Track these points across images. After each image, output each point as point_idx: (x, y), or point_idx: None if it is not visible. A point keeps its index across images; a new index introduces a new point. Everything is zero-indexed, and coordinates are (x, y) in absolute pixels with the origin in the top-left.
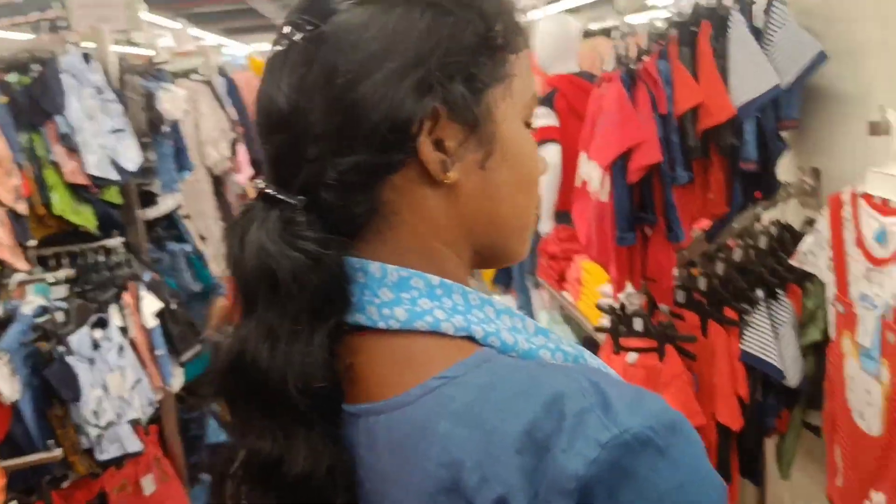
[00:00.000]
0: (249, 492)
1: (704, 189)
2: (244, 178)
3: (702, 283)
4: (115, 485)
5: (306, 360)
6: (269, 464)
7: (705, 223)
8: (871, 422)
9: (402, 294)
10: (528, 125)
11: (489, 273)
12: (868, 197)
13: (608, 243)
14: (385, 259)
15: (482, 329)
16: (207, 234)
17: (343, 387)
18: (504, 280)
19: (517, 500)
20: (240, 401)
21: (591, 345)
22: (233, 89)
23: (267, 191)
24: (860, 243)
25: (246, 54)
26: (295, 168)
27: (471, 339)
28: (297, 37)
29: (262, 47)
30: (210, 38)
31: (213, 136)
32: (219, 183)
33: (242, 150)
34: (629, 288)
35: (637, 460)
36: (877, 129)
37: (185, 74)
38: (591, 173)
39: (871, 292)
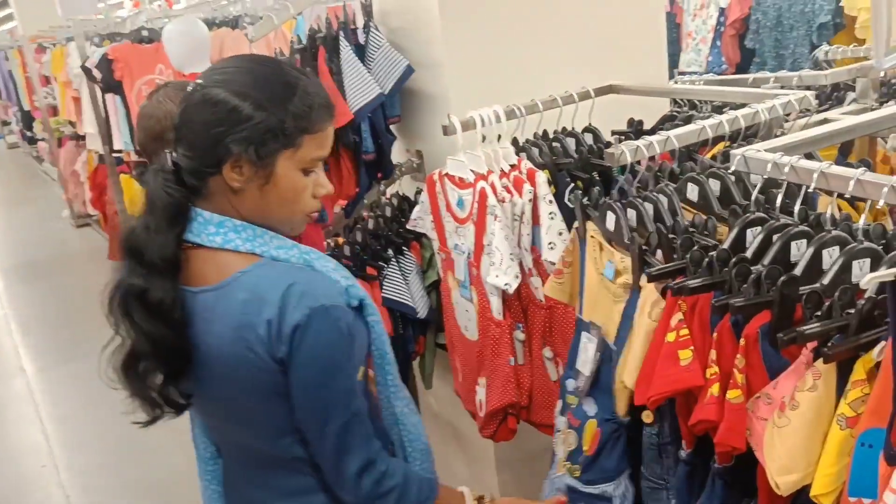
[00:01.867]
0: (122, 315)
1: (339, 177)
2: None
3: (347, 251)
4: None
5: (163, 243)
6: (137, 292)
7: (343, 202)
8: (471, 332)
9: (220, 229)
10: (305, 171)
11: None
12: (449, 176)
13: None
14: (213, 211)
15: (260, 249)
16: None
17: (183, 278)
18: None
19: (272, 331)
20: (125, 259)
21: None
22: None
23: (161, 159)
24: (449, 209)
25: None
26: (171, 148)
27: (255, 254)
28: (193, 86)
29: None
30: None
31: None
32: None
33: None
34: None
35: (318, 319)
36: (446, 130)
37: None
38: None
39: (459, 242)
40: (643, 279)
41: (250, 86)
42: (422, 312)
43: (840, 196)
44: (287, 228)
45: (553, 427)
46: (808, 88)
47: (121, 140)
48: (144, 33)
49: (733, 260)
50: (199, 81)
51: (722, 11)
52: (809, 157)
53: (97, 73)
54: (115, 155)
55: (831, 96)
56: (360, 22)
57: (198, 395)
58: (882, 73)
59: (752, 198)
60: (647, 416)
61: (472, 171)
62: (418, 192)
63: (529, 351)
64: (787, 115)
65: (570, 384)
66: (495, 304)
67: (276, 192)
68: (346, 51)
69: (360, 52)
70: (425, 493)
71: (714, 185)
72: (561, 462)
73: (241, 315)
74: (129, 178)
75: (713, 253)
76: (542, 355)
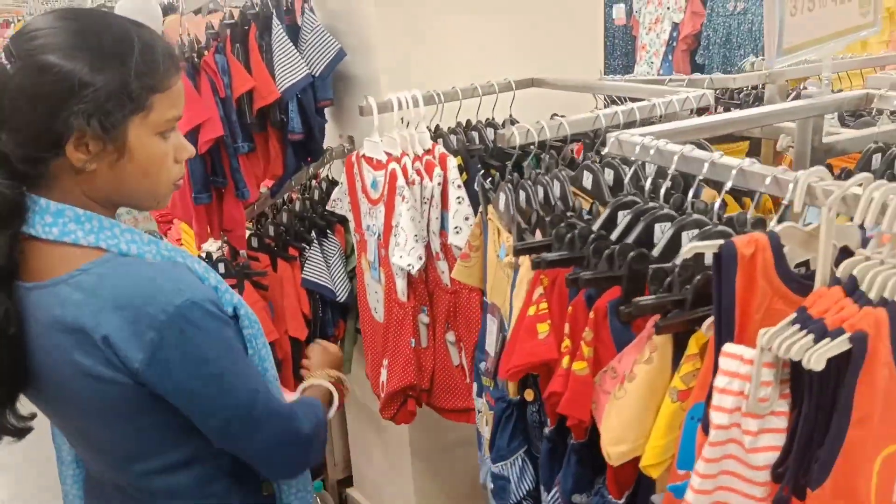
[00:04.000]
0: None
1: (266, 155)
2: None
3: (271, 230)
4: None
5: None
6: None
7: (269, 183)
8: (379, 313)
9: (58, 219)
10: (162, 135)
11: None
12: (367, 157)
13: (188, 203)
14: (54, 199)
15: (106, 242)
16: None
17: (19, 273)
18: None
19: (118, 336)
20: None
21: None
22: None
23: None
24: (364, 190)
25: None
26: None
27: (100, 248)
28: (8, 54)
29: None
30: None
31: None
32: None
33: None
34: (211, 240)
35: (185, 316)
36: (362, 110)
37: None
38: None
39: (372, 223)
40: (521, 258)
41: (79, 46)
42: (341, 296)
43: (734, 193)
44: (152, 203)
45: (455, 411)
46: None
47: None
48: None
49: (592, 236)
50: (11, 51)
51: (675, 27)
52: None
53: None
54: None
55: (742, 102)
56: (297, 3)
57: (42, 410)
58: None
59: (646, 186)
60: (528, 395)
61: (385, 152)
62: None
63: (433, 334)
64: (691, 111)
65: (483, 366)
66: (400, 285)
67: (132, 166)
68: (277, 29)
69: (294, 33)
70: (316, 412)
71: (608, 175)
72: (488, 442)
73: (73, 320)
74: None
75: (576, 231)
76: (446, 339)
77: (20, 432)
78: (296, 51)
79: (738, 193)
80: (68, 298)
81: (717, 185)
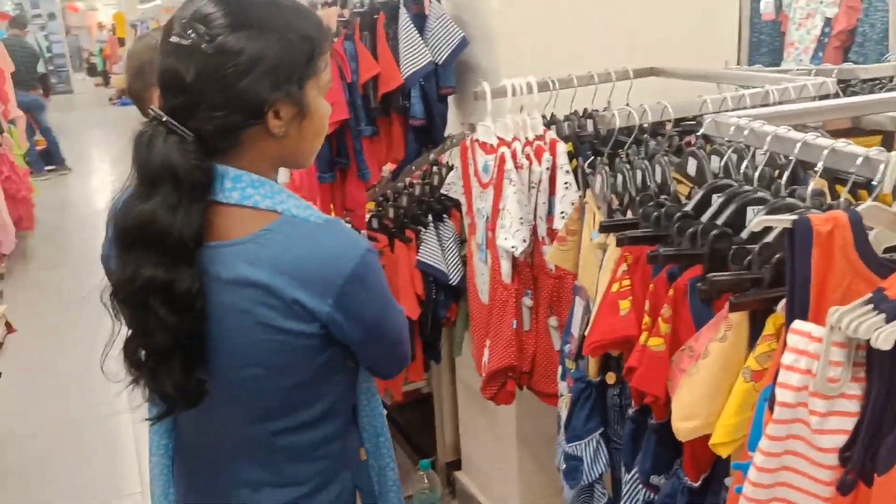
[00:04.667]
0: (134, 310)
1: (388, 140)
2: None
3: (391, 213)
4: None
5: (190, 221)
6: (161, 285)
7: (392, 166)
8: (485, 296)
9: (236, 184)
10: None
11: None
12: (480, 142)
13: (313, 182)
14: (230, 166)
15: (280, 206)
16: None
17: (205, 235)
18: None
19: (308, 295)
20: (136, 248)
21: None
22: None
23: (169, 124)
24: (476, 174)
25: None
26: (187, 116)
27: (275, 211)
28: (194, 38)
29: None
30: None
31: None
32: None
33: None
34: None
35: (366, 264)
36: (476, 95)
37: None
38: None
39: (482, 206)
40: (609, 238)
41: (262, 19)
42: (454, 279)
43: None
44: (309, 162)
45: (555, 395)
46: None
47: None
48: None
49: (677, 215)
50: (201, 30)
51: (828, 22)
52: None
53: None
54: None
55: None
56: None
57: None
58: None
59: (757, 174)
60: (609, 377)
61: (497, 137)
62: None
63: (536, 318)
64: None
65: (567, 348)
66: (505, 267)
67: (310, 126)
68: (403, 17)
69: (421, 21)
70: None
71: (714, 163)
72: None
73: (262, 277)
74: None
75: (663, 210)
76: (548, 324)
77: (197, 399)
78: (420, 39)
79: (854, 186)
80: (258, 255)
81: (838, 180)
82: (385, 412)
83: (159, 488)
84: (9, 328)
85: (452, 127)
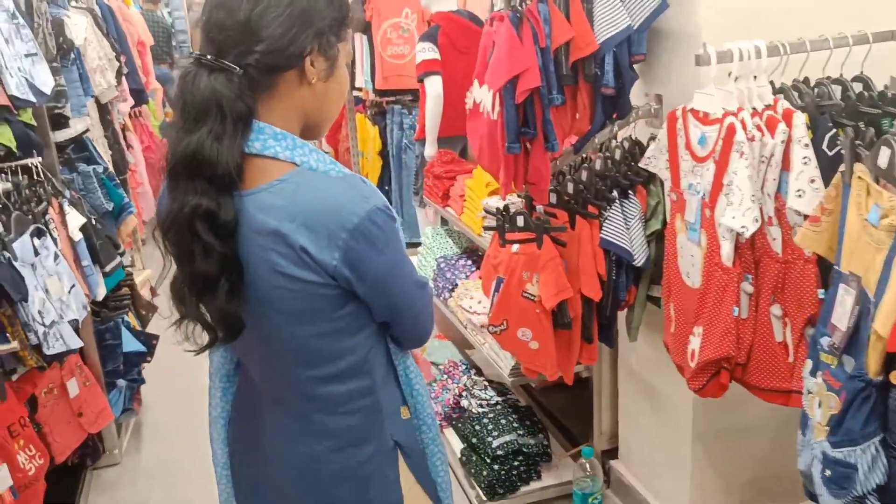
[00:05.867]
0: (181, 239)
1: (573, 110)
2: (127, 108)
3: (570, 188)
4: (43, 387)
5: (234, 154)
6: (207, 212)
7: (573, 138)
8: (694, 278)
9: (259, 135)
10: (346, 65)
11: None
12: (694, 111)
13: (498, 153)
14: (257, 117)
15: (300, 158)
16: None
17: None
18: None
19: (314, 244)
20: (182, 179)
21: (473, 253)
22: (110, 17)
23: (213, 61)
24: (688, 146)
25: None
26: (232, 50)
27: (294, 163)
28: None
29: None
30: None
31: (100, 65)
32: (104, 112)
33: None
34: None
35: (374, 218)
36: (699, 60)
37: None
38: (484, 97)
39: (695, 182)
40: None
41: None
42: (639, 260)
43: None
44: (325, 130)
45: (772, 391)
46: None
47: (362, 78)
48: None
49: None
50: None
51: None
52: None
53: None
54: (354, 93)
55: None
56: None
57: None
58: None
59: None
60: (894, 377)
61: (721, 107)
62: (652, 139)
63: (755, 306)
64: None
65: (826, 341)
66: (726, 249)
67: (335, 87)
68: None
69: None
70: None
71: None
72: (820, 426)
73: (274, 224)
74: (363, 118)
75: None
76: (770, 312)
77: (237, 331)
78: (619, 2)
79: None
80: (271, 204)
81: None
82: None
83: (220, 449)
84: (153, 292)
85: (635, 98)
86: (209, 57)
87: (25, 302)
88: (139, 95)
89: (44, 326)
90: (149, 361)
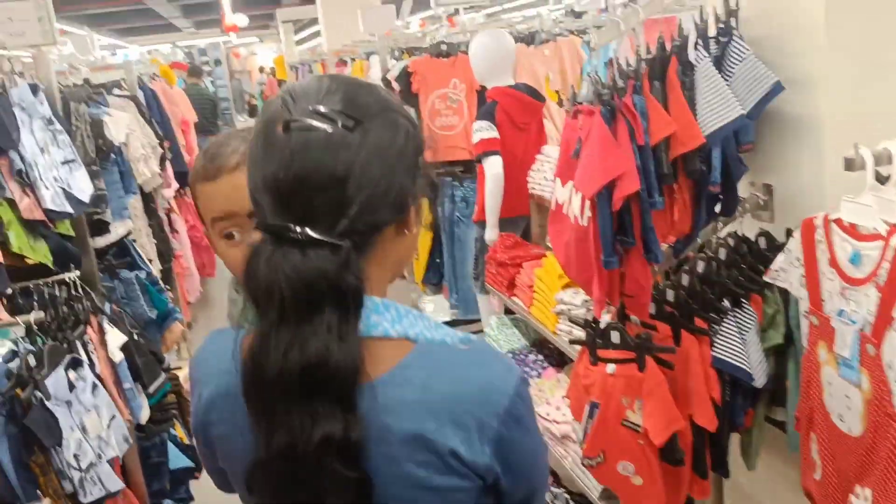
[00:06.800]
0: (297, 478)
1: (672, 209)
2: (171, 193)
3: (670, 295)
4: None
5: (353, 350)
6: (340, 439)
7: (671, 239)
8: (851, 423)
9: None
10: None
11: (419, 275)
12: (839, 222)
13: (589, 264)
14: None
15: (412, 331)
16: (143, 254)
17: None
18: (434, 280)
19: (466, 444)
20: (295, 399)
21: (543, 346)
22: (154, 102)
23: (311, 234)
24: (833, 263)
25: (141, 56)
26: (336, 217)
27: (407, 338)
28: (333, 125)
29: (158, 48)
30: (103, 39)
31: (143, 154)
32: (148, 200)
33: (168, 165)
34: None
35: (520, 396)
36: (850, 164)
37: (108, 90)
38: (570, 198)
39: (848, 308)
40: None
41: (378, 105)
42: (759, 380)
43: None
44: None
45: None
46: None
47: None
48: (443, 47)
49: None
50: (340, 115)
51: None
52: None
53: (396, 85)
54: None
55: None
56: (711, 30)
57: None
58: None
59: None
60: None
61: (881, 219)
62: (760, 235)
63: None
64: None
65: None
66: None
67: (412, 235)
68: (704, 62)
69: (716, 64)
70: None
71: None
72: None
73: (409, 427)
74: None
75: None
76: None
77: None
78: (727, 86)
79: None
80: (400, 400)
81: None
82: None
83: None
84: None
85: (740, 188)
86: (300, 230)
87: (59, 447)
88: (184, 178)
89: (80, 471)
90: (197, 478)
